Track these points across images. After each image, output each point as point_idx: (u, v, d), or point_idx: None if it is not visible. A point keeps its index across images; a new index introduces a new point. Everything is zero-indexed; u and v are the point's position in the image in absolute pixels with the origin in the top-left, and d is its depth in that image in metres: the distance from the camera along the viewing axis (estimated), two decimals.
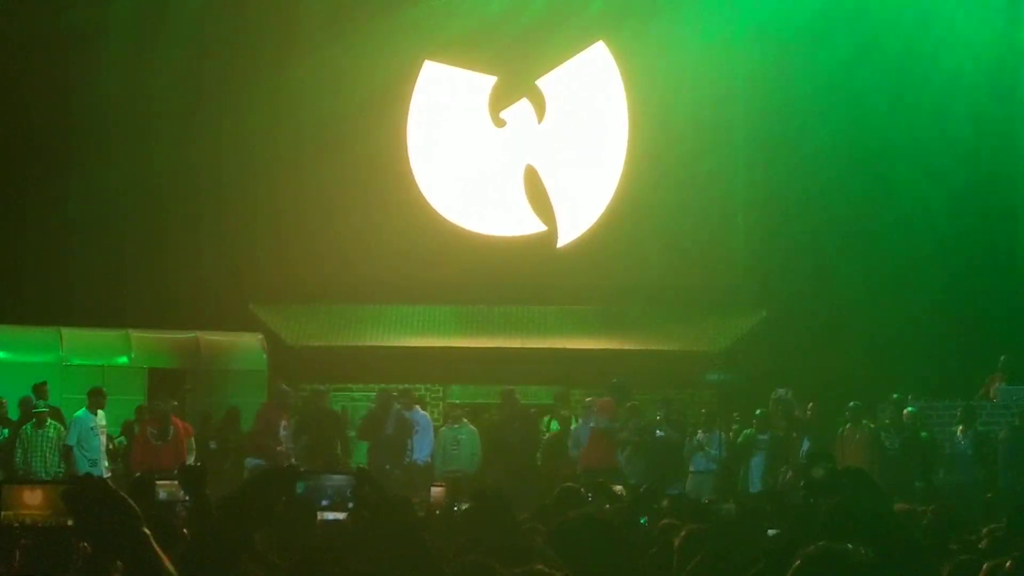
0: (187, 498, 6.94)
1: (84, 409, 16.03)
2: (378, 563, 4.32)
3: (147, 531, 2.89)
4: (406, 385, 17.52)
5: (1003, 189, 19.45)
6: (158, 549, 2.88)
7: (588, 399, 17.39)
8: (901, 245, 19.21)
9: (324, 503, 7.05)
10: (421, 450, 16.74)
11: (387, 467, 15.50)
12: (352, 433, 17.05)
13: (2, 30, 18.90)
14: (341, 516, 6.83)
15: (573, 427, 17.07)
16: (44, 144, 19.72)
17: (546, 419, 17.54)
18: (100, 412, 16.07)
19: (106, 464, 15.78)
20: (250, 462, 16.00)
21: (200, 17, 19.53)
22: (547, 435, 17.34)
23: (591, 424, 16.52)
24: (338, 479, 7.53)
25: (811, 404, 16.68)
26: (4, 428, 16.00)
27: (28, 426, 15.83)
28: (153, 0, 19.54)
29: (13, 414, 16.18)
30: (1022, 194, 19.43)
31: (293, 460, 15.39)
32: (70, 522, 3.91)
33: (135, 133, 19.50)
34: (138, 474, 14.35)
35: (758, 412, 17.11)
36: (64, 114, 19.58)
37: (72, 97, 19.54)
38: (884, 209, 19.29)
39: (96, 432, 15.92)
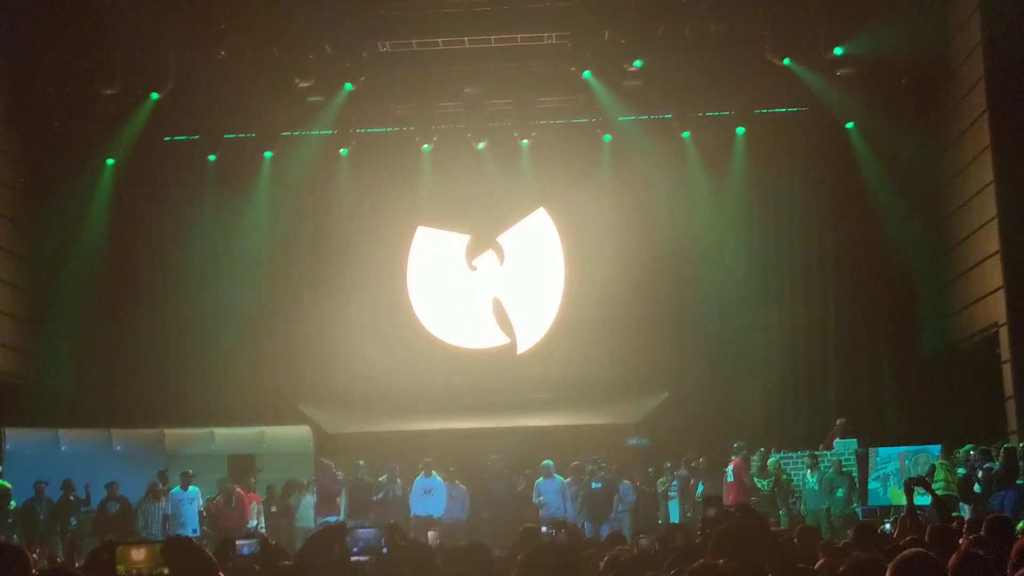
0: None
1: (178, 487, 15.82)
2: None
3: (222, 574, 2.83)
4: (428, 459, 16.68)
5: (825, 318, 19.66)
6: None
7: (544, 462, 17.09)
8: (762, 346, 19.28)
9: (355, 549, 7.00)
10: (437, 506, 16.20)
11: (393, 520, 15.10)
12: (376, 497, 16.71)
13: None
14: (364, 559, 6.80)
15: (538, 482, 16.52)
16: (153, 295, 19.86)
17: (514, 477, 17.25)
18: (192, 488, 15.81)
19: (196, 525, 15.50)
20: (319, 520, 15.69)
21: (267, 199, 19.76)
22: (519, 489, 16.97)
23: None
24: (371, 531, 7.48)
25: (702, 458, 16.59)
26: (117, 503, 15.75)
27: (145, 500, 15.72)
28: (237, 201, 19.67)
29: (125, 492, 15.91)
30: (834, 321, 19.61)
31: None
32: (167, 571, 3.83)
33: (221, 289, 19.63)
34: (222, 536, 14.15)
35: (667, 465, 16.99)
36: (174, 272, 19.93)
37: (177, 259, 19.83)
38: (749, 325, 19.41)
39: (186, 502, 15.69)
